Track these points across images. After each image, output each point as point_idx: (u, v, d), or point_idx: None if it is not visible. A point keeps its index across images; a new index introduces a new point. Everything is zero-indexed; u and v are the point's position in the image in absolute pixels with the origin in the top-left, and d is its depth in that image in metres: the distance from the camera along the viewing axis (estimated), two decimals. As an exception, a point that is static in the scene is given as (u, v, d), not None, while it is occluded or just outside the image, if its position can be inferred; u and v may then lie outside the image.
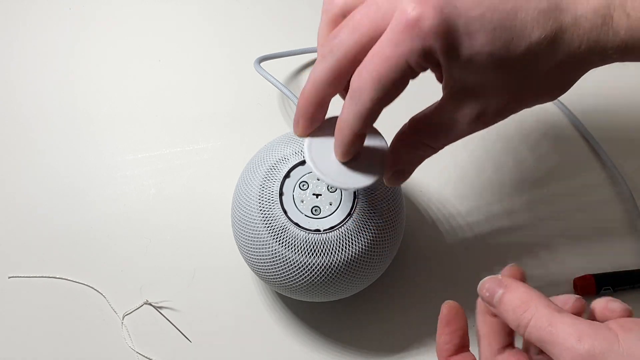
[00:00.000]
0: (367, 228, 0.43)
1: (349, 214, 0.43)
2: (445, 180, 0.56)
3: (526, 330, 0.33)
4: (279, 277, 0.44)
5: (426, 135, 0.37)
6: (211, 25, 0.63)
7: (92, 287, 0.54)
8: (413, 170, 0.38)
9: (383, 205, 0.44)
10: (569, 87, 0.36)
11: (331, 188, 0.44)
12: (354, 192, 0.44)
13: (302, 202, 0.44)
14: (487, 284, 0.36)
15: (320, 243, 0.43)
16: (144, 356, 0.52)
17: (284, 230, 0.43)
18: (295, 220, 0.43)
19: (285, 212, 0.43)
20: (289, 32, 0.63)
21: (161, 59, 0.62)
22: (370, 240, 0.44)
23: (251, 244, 0.45)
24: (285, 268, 0.43)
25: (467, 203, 0.56)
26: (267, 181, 0.45)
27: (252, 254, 0.45)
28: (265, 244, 0.44)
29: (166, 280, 0.54)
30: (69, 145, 0.59)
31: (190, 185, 0.57)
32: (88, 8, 0.64)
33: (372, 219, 0.44)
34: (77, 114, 0.60)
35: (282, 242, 0.43)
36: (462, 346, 0.37)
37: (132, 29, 0.63)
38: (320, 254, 0.43)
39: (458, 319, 0.37)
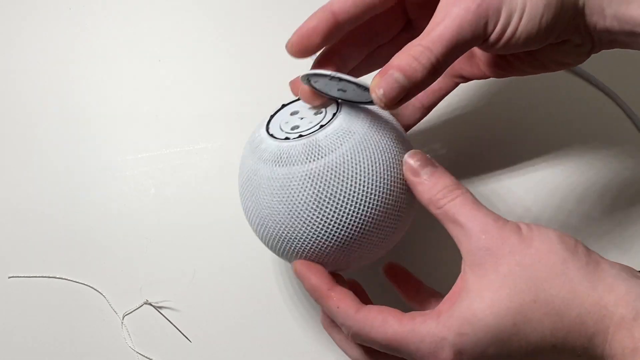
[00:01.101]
0: (343, 139, 0.40)
1: (321, 126, 0.41)
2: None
3: (443, 206, 0.38)
4: (276, 205, 0.41)
5: (422, 36, 0.37)
6: (211, 25, 0.63)
7: (92, 287, 0.54)
8: (411, 85, 0.36)
9: (367, 125, 0.42)
10: None
11: (317, 112, 0.43)
12: (337, 107, 0.42)
13: (286, 122, 0.43)
14: (419, 156, 0.40)
15: (295, 150, 0.40)
16: (144, 356, 0.52)
17: (261, 142, 0.42)
18: (271, 132, 0.42)
19: (267, 130, 0.43)
20: (289, 33, 0.63)
21: (161, 58, 0.62)
22: (349, 152, 0.40)
23: (249, 185, 0.43)
24: (270, 185, 0.41)
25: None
26: (258, 127, 0.45)
27: (252, 197, 0.43)
28: (253, 171, 0.42)
29: (166, 280, 0.54)
30: (68, 145, 0.59)
31: (190, 185, 0.57)
32: (88, 8, 0.64)
33: (351, 132, 0.41)
34: (77, 113, 0.60)
35: (261, 157, 0.41)
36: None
37: (132, 29, 0.63)
38: (300, 162, 0.40)
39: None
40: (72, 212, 0.56)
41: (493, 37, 0.37)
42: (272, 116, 0.44)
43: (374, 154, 0.40)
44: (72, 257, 0.55)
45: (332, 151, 0.39)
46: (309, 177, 0.39)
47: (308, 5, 0.64)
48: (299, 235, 0.41)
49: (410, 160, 0.40)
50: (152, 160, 0.58)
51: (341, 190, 0.39)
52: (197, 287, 0.54)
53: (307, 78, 0.41)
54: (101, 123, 0.59)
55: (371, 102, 0.39)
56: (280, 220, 0.41)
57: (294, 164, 0.39)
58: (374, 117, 0.42)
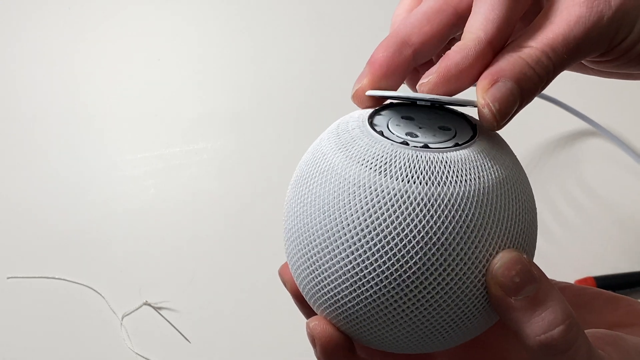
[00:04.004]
0: (483, 170, 0.28)
1: (456, 144, 0.29)
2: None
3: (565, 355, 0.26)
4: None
5: (534, 35, 0.28)
6: (210, 25, 0.63)
7: (91, 288, 0.54)
8: (522, 100, 0.27)
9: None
10: None
11: (443, 127, 0.30)
12: (474, 130, 0.30)
13: (397, 125, 0.30)
14: (520, 266, 0.26)
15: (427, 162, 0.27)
16: (143, 357, 0.51)
17: (358, 138, 0.28)
18: (379, 129, 0.29)
19: (372, 125, 0.29)
20: (288, 33, 0.62)
21: (160, 58, 0.62)
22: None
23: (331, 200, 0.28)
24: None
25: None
26: (345, 120, 0.30)
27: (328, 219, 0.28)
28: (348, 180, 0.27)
29: (165, 280, 0.54)
30: (68, 145, 0.58)
31: (189, 185, 0.57)
32: (87, 8, 0.64)
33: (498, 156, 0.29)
34: (77, 114, 0.60)
35: (353, 156, 0.28)
36: None
37: (131, 29, 0.63)
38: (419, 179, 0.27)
39: None
40: (72, 212, 0.56)
41: (621, 47, 0.29)
42: (375, 112, 0.31)
43: (515, 201, 0.29)
44: (71, 257, 0.55)
45: (468, 180, 0.27)
46: (422, 204, 0.26)
47: (306, 3, 0.64)
48: (361, 275, 0.27)
49: (506, 270, 0.26)
50: (152, 161, 0.58)
51: (461, 234, 0.27)
52: (197, 287, 0.53)
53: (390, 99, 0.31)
54: (101, 123, 0.59)
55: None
56: (336, 241, 0.27)
57: (406, 180, 0.27)
58: (514, 157, 0.31)
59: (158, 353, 0.52)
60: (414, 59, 0.31)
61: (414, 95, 0.29)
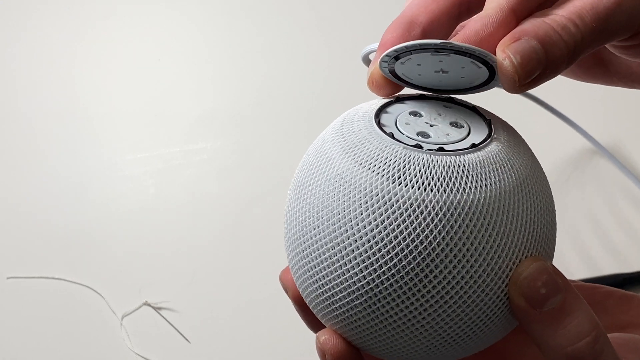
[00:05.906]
0: (503, 172, 0.26)
1: (473, 145, 0.26)
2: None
3: None
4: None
5: (561, 5, 0.26)
6: (210, 25, 0.63)
7: (91, 288, 0.54)
8: (547, 63, 0.25)
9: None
10: None
11: (455, 124, 0.28)
12: (490, 126, 0.28)
13: (407, 124, 0.28)
14: (545, 276, 0.25)
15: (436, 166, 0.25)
16: (143, 357, 0.51)
17: (366, 140, 0.26)
18: (388, 131, 0.27)
19: (379, 125, 0.27)
20: (288, 32, 0.62)
21: (160, 58, 0.62)
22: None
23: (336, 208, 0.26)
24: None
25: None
26: (349, 118, 0.29)
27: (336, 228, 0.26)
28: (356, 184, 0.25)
29: (165, 280, 0.54)
30: (67, 145, 0.58)
31: (189, 185, 0.57)
32: (87, 8, 0.64)
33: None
34: (77, 113, 0.60)
35: (364, 163, 0.25)
36: None
37: (131, 29, 0.63)
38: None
39: None
40: (71, 212, 0.56)
41: None
42: (381, 109, 0.28)
43: (537, 202, 0.27)
44: (71, 257, 0.54)
45: (488, 185, 0.25)
46: (441, 214, 0.24)
47: (306, 2, 0.64)
48: (377, 291, 0.25)
49: (531, 282, 0.25)
50: (152, 161, 0.58)
51: (483, 244, 0.25)
52: (197, 287, 0.53)
53: (395, 57, 0.27)
54: (101, 123, 0.59)
55: (477, 88, 0.28)
56: (347, 251, 0.25)
57: (422, 188, 0.25)
58: (531, 153, 0.29)
59: (158, 353, 0.52)
60: (424, 39, 0.28)
61: (435, 41, 0.26)
